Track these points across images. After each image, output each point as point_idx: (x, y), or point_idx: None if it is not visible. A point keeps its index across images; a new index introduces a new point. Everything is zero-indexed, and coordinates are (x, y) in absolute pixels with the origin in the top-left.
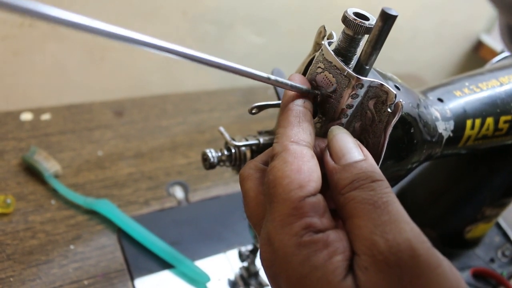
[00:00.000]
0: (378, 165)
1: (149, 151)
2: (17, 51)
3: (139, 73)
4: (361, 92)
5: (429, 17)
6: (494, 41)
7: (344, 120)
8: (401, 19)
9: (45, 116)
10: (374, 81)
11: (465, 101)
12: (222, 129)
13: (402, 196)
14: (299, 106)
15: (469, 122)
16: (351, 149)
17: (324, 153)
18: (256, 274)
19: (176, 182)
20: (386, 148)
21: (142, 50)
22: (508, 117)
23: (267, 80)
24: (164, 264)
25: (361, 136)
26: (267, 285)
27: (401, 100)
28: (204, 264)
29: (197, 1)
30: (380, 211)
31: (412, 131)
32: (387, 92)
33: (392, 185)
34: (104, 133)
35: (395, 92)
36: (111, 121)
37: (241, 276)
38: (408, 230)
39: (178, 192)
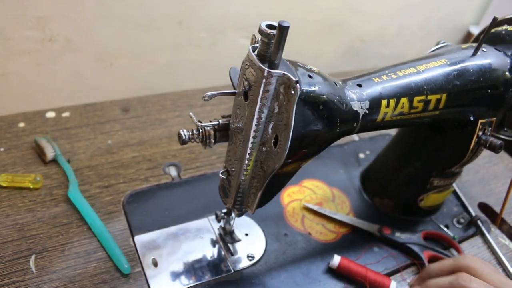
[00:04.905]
0: (290, 132)
1: (150, 139)
2: (40, 62)
3: (143, 75)
4: (273, 80)
5: (414, 13)
6: None
7: (265, 101)
8: (385, 16)
9: (66, 114)
10: (277, 72)
11: (382, 86)
12: (191, 114)
13: (368, 174)
14: None
15: (384, 102)
16: None
17: None
18: (231, 233)
19: (171, 164)
20: (306, 121)
21: (146, 56)
22: (422, 97)
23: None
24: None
25: (278, 115)
26: (240, 240)
27: (298, 84)
28: (191, 225)
29: (191, 11)
30: None
31: (321, 108)
32: (289, 79)
33: (326, 146)
34: (113, 126)
35: (295, 79)
36: (119, 116)
37: (220, 235)
38: None
39: (172, 171)
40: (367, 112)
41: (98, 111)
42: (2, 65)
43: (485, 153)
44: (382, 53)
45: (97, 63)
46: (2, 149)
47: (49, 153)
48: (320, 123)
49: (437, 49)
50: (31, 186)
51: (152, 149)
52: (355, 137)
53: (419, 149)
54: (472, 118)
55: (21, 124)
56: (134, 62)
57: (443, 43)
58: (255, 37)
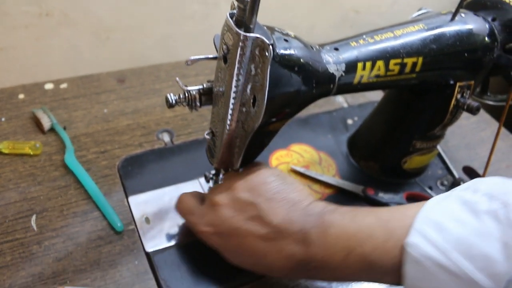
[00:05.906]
0: (265, 93)
1: (144, 107)
2: (38, 36)
3: (138, 48)
4: (249, 43)
5: None
6: None
7: (242, 64)
8: None
9: (63, 85)
10: (252, 35)
11: (358, 50)
12: (177, 79)
13: (355, 138)
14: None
15: (360, 64)
16: None
17: None
18: None
19: (164, 130)
20: (282, 83)
21: (141, 29)
22: (398, 60)
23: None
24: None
25: (255, 76)
26: None
27: (270, 47)
28: (183, 187)
29: None
30: None
31: (296, 69)
32: (263, 41)
33: (304, 106)
34: (109, 96)
35: (269, 42)
36: (115, 86)
37: None
38: None
39: (166, 137)
40: (343, 74)
41: (95, 82)
42: (1, 39)
43: (473, 119)
44: (377, 24)
45: (93, 36)
46: (3, 119)
47: (46, 123)
48: (296, 84)
49: (418, 16)
50: (31, 153)
51: (146, 117)
52: (344, 103)
53: (402, 113)
54: (451, 82)
55: (21, 96)
56: (129, 35)
57: (425, 9)
58: (234, 4)
